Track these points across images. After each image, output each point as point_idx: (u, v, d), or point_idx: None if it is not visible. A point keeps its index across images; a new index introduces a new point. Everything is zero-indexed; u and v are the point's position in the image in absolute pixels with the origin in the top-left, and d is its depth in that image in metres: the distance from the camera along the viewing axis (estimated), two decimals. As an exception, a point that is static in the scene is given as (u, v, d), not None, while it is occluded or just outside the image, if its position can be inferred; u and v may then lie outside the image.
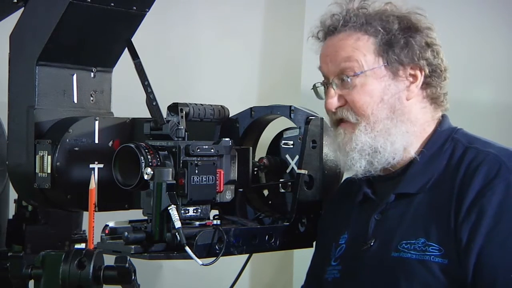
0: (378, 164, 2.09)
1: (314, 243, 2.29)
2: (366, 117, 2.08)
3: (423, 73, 2.11)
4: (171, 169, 2.01)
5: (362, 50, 2.10)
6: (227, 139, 2.16)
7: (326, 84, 2.15)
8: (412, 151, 2.09)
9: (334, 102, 2.12)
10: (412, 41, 2.10)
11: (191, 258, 1.97)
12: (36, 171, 2.11)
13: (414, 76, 2.11)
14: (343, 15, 2.13)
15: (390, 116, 2.09)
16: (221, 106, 2.30)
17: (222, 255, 2.04)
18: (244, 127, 2.34)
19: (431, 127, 2.13)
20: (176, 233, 1.96)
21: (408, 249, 2.00)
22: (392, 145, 2.08)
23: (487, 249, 1.92)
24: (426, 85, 2.12)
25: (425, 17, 2.14)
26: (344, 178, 2.34)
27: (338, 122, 2.14)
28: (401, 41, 2.09)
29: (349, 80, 2.09)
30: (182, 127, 2.09)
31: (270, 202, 2.35)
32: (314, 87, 2.19)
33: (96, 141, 2.17)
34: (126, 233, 1.98)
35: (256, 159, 2.31)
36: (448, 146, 2.09)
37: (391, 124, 2.09)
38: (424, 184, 2.06)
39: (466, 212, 1.95)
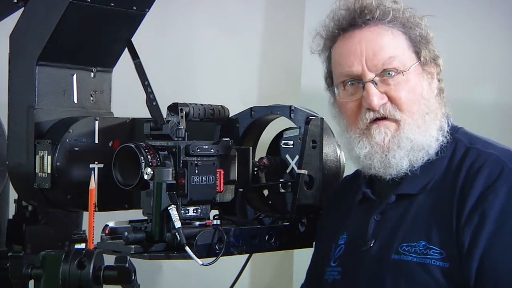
0: (418, 162, 2.05)
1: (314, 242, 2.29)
2: (411, 114, 2.05)
3: (436, 69, 2.12)
4: (171, 169, 2.01)
5: (402, 47, 2.08)
6: (227, 139, 2.16)
7: (359, 82, 2.07)
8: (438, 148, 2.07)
9: (378, 100, 2.05)
10: (431, 39, 2.11)
11: (191, 258, 1.97)
12: (36, 171, 2.11)
13: (432, 74, 2.12)
14: (372, 9, 2.09)
15: (429, 112, 2.07)
16: (221, 106, 2.29)
17: (222, 255, 2.04)
18: (244, 127, 2.34)
19: None
20: (176, 233, 1.96)
21: (408, 251, 1.99)
22: (436, 139, 2.06)
23: (489, 253, 1.91)
24: (438, 81, 2.13)
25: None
26: (343, 176, 2.34)
27: (375, 120, 2.07)
28: (427, 38, 2.10)
29: (394, 76, 2.05)
30: (182, 127, 2.09)
31: (270, 202, 2.35)
32: (343, 85, 2.10)
33: (96, 141, 2.17)
34: (126, 233, 1.98)
35: (256, 159, 2.31)
36: (448, 146, 2.08)
37: (431, 120, 2.07)
38: (425, 185, 2.04)
39: (468, 215, 1.94)
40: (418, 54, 2.09)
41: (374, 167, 2.07)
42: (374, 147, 2.06)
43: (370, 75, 2.06)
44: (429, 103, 2.08)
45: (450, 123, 2.13)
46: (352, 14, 2.10)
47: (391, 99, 2.06)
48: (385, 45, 2.07)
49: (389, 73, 2.05)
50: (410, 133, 2.04)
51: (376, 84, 2.05)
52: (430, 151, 2.06)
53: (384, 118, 2.06)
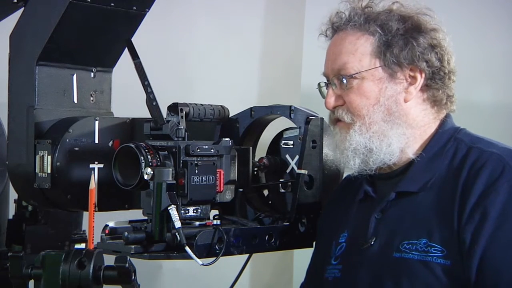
0: (373, 164, 2.09)
1: (314, 241, 2.29)
2: (361, 118, 2.09)
3: (423, 75, 2.09)
4: (171, 169, 2.01)
5: (360, 51, 2.10)
6: (227, 139, 2.16)
7: (327, 83, 2.16)
8: (410, 153, 2.08)
9: (331, 101, 2.13)
10: (413, 42, 2.07)
11: (191, 258, 1.97)
12: (36, 171, 2.11)
13: (413, 78, 2.09)
14: (347, 13, 2.13)
15: (386, 118, 2.08)
16: (221, 106, 2.30)
17: (222, 255, 2.04)
18: (244, 127, 2.34)
19: (433, 128, 2.12)
20: (176, 233, 1.96)
21: (410, 249, 1.99)
22: (388, 146, 2.08)
23: (490, 251, 1.91)
24: (426, 87, 2.10)
25: (433, 18, 2.13)
26: (344, 176, 2.34)
27: (335, 121, 2.15)
28: (400, 42, 2.07)
29: (345, 80, 2.10)
30: (182, 127, 2.09)
31: (270, 202, 2.35)
32: (319, 86, 2.19)
33: (96, 141, 2.17)
34: (126, 233, 1.98)
35: (256, 159, 2.31)
36: (450, 146, 2.08)
37: (387, 126, 2.08)
38: (425, 183, 2.05)
39: (469, 213, 1.94)
40: (382, 59, 2.08)
41: (339, 161, 2.16)
42: (336, 145, 2.15)
43: (330, 78, 2.14)
44: (389, 109, 2.08)
45: (451, 123, 2.13)
46: (336, 17, 2.16)
47: (345, 103, 2.11)
48: (344, 50, 2.12)
49: (343, 77, 2.10)
50: (356, 137, 2.09)
51: (335, 86, 2.12)
52: (385, 157, 2.08)
53: (339, 120, 2.13)
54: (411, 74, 2.09)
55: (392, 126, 2.08)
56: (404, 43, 2.08)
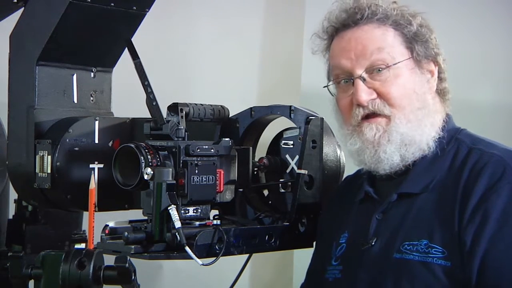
0: (410, 157, 2.06)
1: (314, 241, 2.29)
2: (401, 108, 2.06)
3: (437, 67, 2.13)
4: (171, 169, 2.01)
5: (392, 42, 2.09)
6: (227, 139, 2.16)
7: (350, 78, 2.10)
8: (433, 145, 2.08)
9: (366, 95, 2.07)
10: (431, 37, 2.12)
11: (191, 258, 1.97)
12: (36, 171, 2.11)
13: (431, 71, 2.12)
14: (362, 8, 2.11)
15: (421, 107, 2.08)
16: (221, 106, 2.30)
17: (222, 255, 2.04)
18: (244, 127, 2.34)
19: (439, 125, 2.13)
20: (176, 233, 1.96)
21: (410, 250, 1.99)
22: (428, 135, 2.07)
23: (491, 253, 1.91)
24: (438, 80, 2.14)
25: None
26: (344, 176, 2.34)
27: (367, 116, 2.09)
28: (423, 36, 2.10)
29: (382, 72, 2.07)
30: (182, 127, 2.09)
31: (270, 202, 2.35)
32: (336, 82, 2.13)
33: (96, 141, 2.17)
34: (126, 233, 1.98)
35: (256, 159, 2.31)
36: (451, 147, 2.08)
37: (423, 115, 2.08)
38: (427, 184, 2.05)
39: (470, 215, 1.94)
40: (411, 50, 2.10)
41: (365, 163, 2.10)
42: (365, 143, 2.08)
43: (358, 71, 2.09)
44: (422, 98, 2.09)
45: (452, 124, 2.14)
46: (344, 14, 2.13)
47: (380, 95, 2.08)
48: (374, 39, 2.09)
49: (379, 70, 2.08)
50: (400, 127, 2.06)
51: (364, 80, 2.08)
52: (423, 146, 2.07)
53: (375, 114, 2.08)
54: (430, 67, 2.12)
55: (427, 115, 2.08)
56: (425, 38, 2.11)
